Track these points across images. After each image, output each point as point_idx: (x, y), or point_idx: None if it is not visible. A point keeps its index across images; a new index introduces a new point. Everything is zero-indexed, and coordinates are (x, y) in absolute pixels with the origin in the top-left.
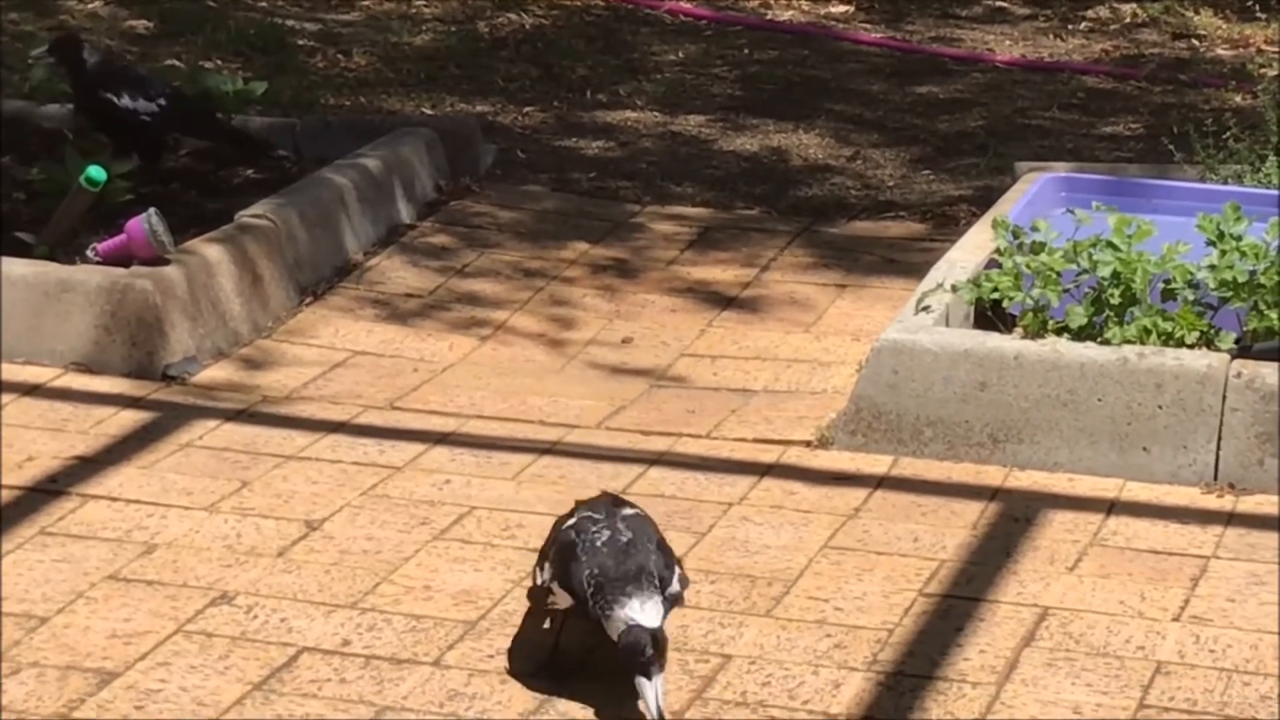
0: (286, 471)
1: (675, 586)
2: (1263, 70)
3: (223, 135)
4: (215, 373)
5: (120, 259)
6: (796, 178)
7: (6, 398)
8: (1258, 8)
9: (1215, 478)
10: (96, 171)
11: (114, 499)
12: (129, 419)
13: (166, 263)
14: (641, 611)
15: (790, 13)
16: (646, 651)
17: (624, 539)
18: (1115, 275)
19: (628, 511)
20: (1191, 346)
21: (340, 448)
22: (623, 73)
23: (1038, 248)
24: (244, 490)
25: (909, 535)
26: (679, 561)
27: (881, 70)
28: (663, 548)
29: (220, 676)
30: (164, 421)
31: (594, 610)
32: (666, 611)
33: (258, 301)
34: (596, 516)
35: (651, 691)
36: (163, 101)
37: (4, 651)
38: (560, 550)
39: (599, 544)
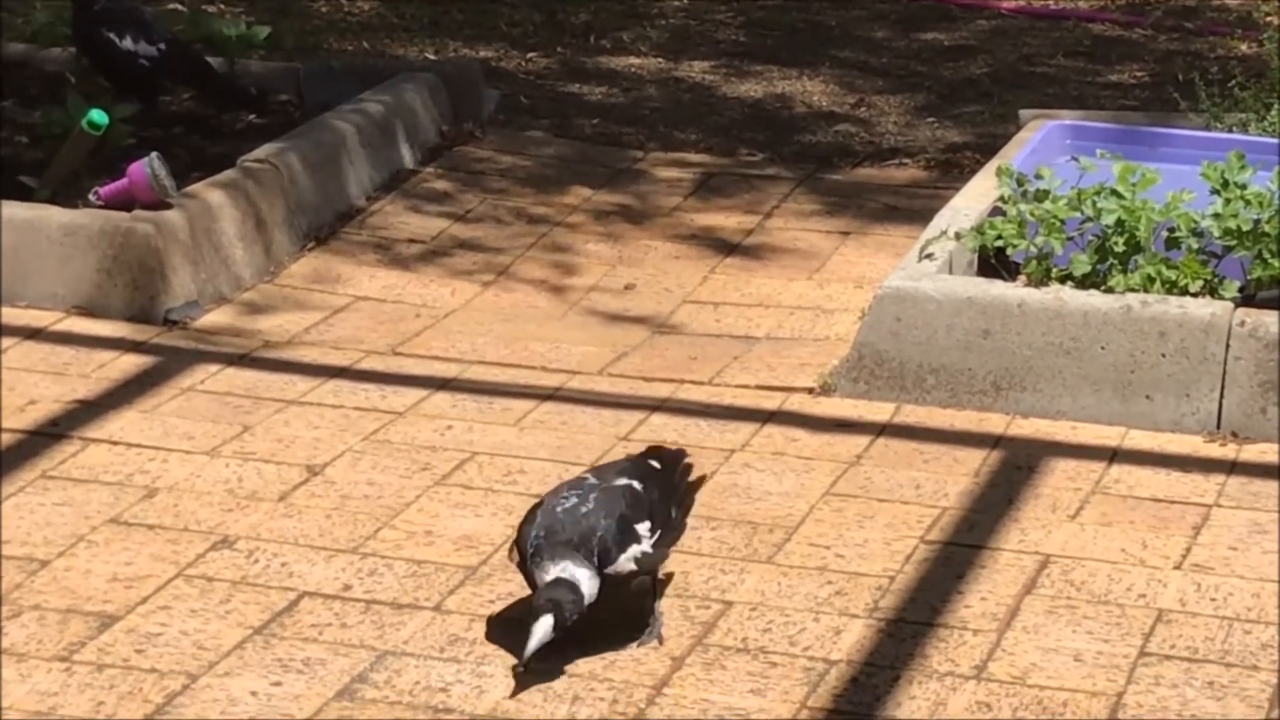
0: (288, 416)
1: (622, 563)
2: (1269, 18)
3: (217, 88)
4: (217, 317)
5: (122, 203)
6: (800, 124)
7: (8, 341)
8: None
9: (1218, 426)
10: (99, 115)
11: (115, 443)
12: (130, 363)
13: (168, 207)
14: (567, 573)
15: None
16: (546, 601)
17: (585, 509)
18: (1119, 223)
19: (618, 482)
20: (1195, 295)
21: (342, 393)
22: (626, 18)
23: (1042, 195)
24: (245, 435)
25: (911, 482)
26: (666, 532)
27: (887, 17)
28: (625, 522)
29: (221, 620)
30: (165, 365)
31: (529, 567)
32: (600, 585)
33: (260, 246)
34: (578, 484)
35: (535, 635)
36: (163, 46)
37: (5, 595)
38: (529, 511)
39: (558, 510)
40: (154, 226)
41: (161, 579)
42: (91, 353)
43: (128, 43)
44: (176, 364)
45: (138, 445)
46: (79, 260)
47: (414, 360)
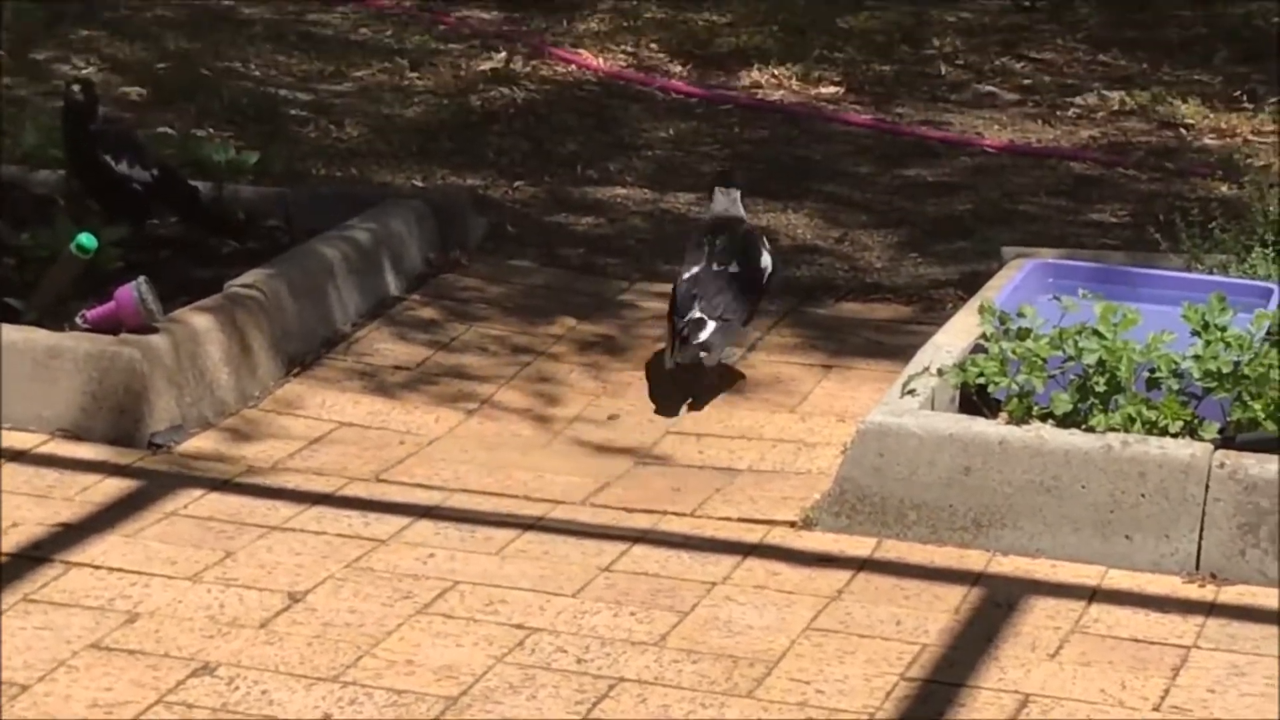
0: (270, 542)
1: None
2: (1249, 160)
3: (204, 218)
4: (201, 442)
5: (109, 327)
6: (784, 258)
7: None
8: (1245, 98)
9: (1197, 567)
10: (87, 239)
11: (97, 567)
12: (114, 487)
13: (155, 331)
14: None
15: (781, 92)
16: None
17: None
18: (1100, 363)
19: None
20: (1175, 435)
21: (325, 519)
22: (613, 149)
23: (1024, 334)
24: (228, 560)
25: (891, 618)
26: None
27: (870, 152)
28: None
29: None
30: (149, 490)
31: None
32: None
33: (245, 371)
34: None
35: None
36: (156, 172)
37: None
38: None
39: None
40: (139, 351)
41: (141, 705)
42: (75, 476)
43: (123, 167)
44: (160, 488)
45: (120, 570)
46: (64, 383)
47: (397, 488)
